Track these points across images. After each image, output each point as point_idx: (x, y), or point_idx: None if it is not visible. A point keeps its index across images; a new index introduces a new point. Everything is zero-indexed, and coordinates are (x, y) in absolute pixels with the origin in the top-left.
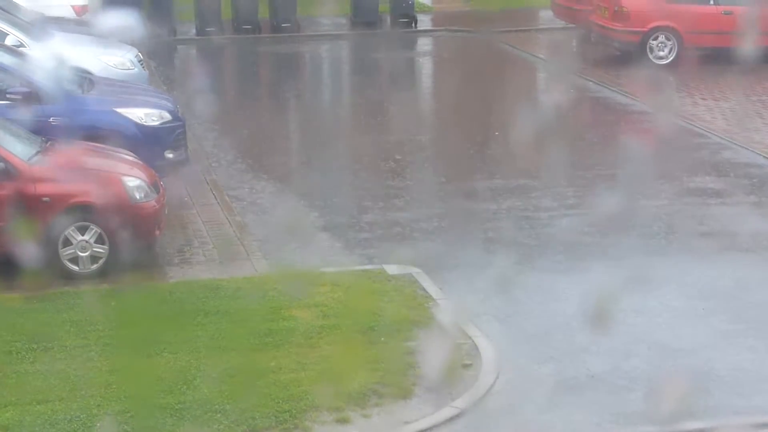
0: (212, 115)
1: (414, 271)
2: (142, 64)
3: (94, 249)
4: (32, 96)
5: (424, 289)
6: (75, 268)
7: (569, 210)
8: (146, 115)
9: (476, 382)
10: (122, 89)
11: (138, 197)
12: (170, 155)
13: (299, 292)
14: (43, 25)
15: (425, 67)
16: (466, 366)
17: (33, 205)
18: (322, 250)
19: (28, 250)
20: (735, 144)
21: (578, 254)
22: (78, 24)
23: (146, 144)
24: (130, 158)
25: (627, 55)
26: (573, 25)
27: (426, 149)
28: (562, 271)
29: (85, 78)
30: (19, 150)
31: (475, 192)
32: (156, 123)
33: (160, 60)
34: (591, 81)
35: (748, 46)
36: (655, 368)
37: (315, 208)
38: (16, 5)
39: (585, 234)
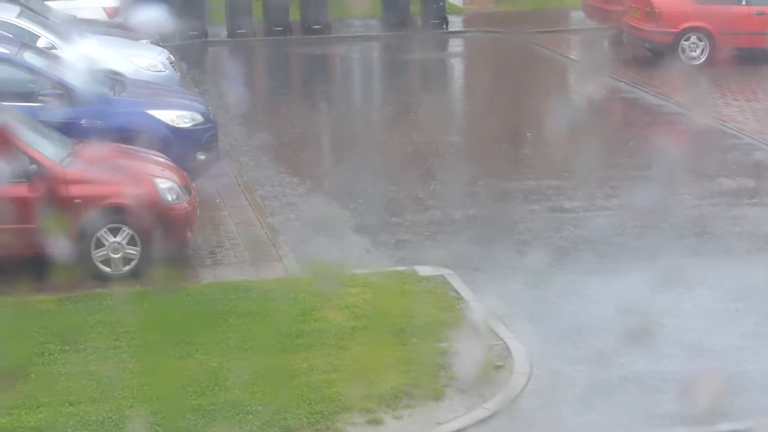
0: (244, 116)
1: (446, 272)
2: (173, 66)
3: (127, 251)
4: (64, 98)
5: (455, 291)
6: (107, 269)
7: (601, 210)
8: (178, 117)
9: (508, 384)
10: (154, 91)
11: (170, 199)
12: (202, 157)
13: (330, 294)
14: (75, 27)
15: (456, 68)
16: (498, 367)
17: (65, 207)
18: (353, 251)
19: (60, 251)
20: (766, 145)
21: (611, 255)
22: (109, 26)
23: (178, 146)
24: (162, 160)
25: (659, 55)
26: (604, 26)
27: (458, 150)
28: (595, 272)
29: (117, 80)
30: (51, 152)
31: (507, 193)
32: (188, 125)
33: (191, 62)
34: (623, 82)
35: None
36: (687, 369)
37: (346, 209)
38: (47, 7)
39: (617, 234)
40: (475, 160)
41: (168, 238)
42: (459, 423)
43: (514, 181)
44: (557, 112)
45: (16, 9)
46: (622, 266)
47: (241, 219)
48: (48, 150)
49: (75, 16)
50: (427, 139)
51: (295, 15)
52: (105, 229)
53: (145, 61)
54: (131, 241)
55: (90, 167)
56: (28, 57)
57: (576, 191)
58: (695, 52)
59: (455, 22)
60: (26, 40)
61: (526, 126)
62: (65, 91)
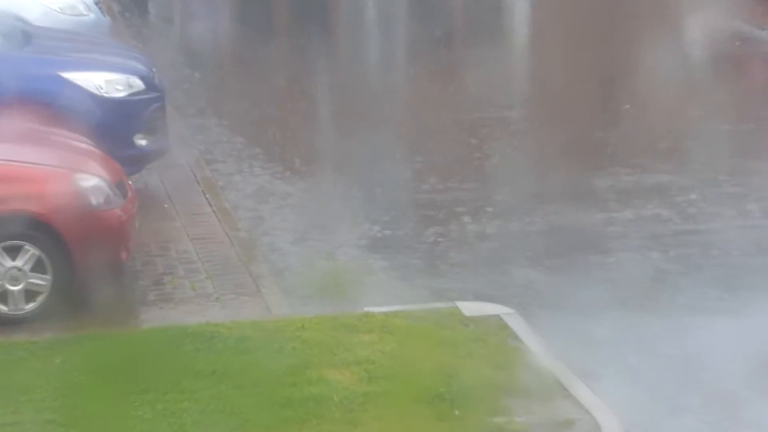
0: (205, 80)
1: (502, 310)
2: (101, 8)
3: (31, 280)
4: None
5: (516, 338)
6: (2, 308)
7: (730, 221)
8: (107, 82)
9: None
10: (71, 44)
11: (95, 203)
12: (143, 142)
13: (333, 343)
14: None
15: (517, 6)
16: None
17: None
18: (367, 279)
19: None
20: None
21: (743, 286)
22: None
23: (108, 125)
24: (84, 146)
25: None
26: None
27: (518, 132)
28: (721, 310)
29: (18, 28)
30: None
31: (591, 193)
32: (122, 94)
33: (127, 3)
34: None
35: None
36: None
37: (358, 218)
38: None
39: (752, 255)
40: (544, 146)
41: (93, 261)
42: None
43: (602, 175)
44: (668, 73)
45: None
46: (759, 302)
47: (201, 233)
48: None
49: None
50: (475, 116)
51: None
52: None
53: (59, 1)
54: (38, 267)
55: None
56: None
57: (695, 190)
58: None
59: None
60: None
61: (622, 94)
62: None
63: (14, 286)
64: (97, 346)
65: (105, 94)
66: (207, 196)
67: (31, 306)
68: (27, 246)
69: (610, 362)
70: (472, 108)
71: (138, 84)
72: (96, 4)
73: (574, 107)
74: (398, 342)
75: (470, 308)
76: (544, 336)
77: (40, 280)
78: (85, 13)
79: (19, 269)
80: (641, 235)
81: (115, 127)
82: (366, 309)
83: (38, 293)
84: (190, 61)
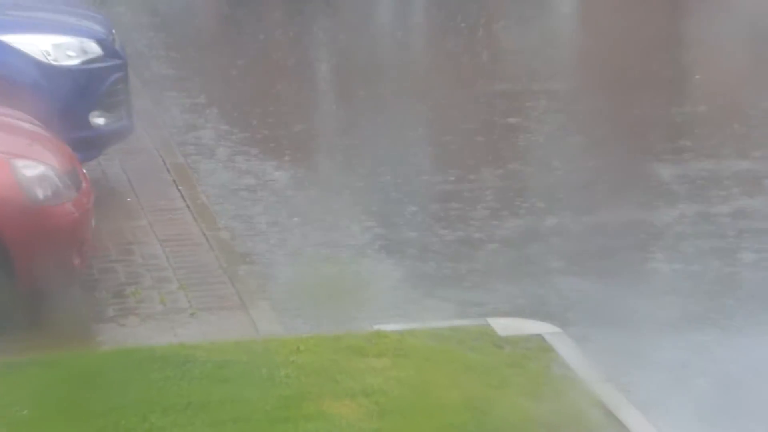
0: (178, 49)
1: (545, 329)
2: None
3: None
4: None
5: (563, 363)
6: None
7: None
8: (56, 47)
9: None
10: (12, 1)
11: (42, 196)
12: (100, 120)
13: (336, 369)
14: None
15: None
16: None
17: None
18: (377, 290)
19: None
20: None
21: None
22: None
23: (57, 100)
24: (28, 127)
25: None
26: None
27: (564, 108)
28: None
29: None
30: None
31: (653, 183)
32: (74, 61)
33: None
34: None
35: None
36: None
37: (365, 215)
38: None
39: None
40: (594, 124)
41: (39, 268)
42: None
43: (665, 160)
44: (742, 38)
45: None
46: None
47: (172, 233)
48: None
49: None
50: (509, 88)
51: None
52: None
53: None
54: None
55: None
56: None
57: None
58: None
59: None
60: None
61: (692, 62)
62: None
63: None
64: (44, 373)
65: (53, 62)
66: (180, 187)
67: None
68: None
69: (677, 390)
70: (509, 79)
71: (94, 49)
72: None
73: (632, 78)
74: (416, 368)
75: (505, 326)
76: (597, 360)
77: None
78: None
79: None
80: (715, 235)
81: (66, 103)
82: (376, 327)
83: None
84: (160, 21)
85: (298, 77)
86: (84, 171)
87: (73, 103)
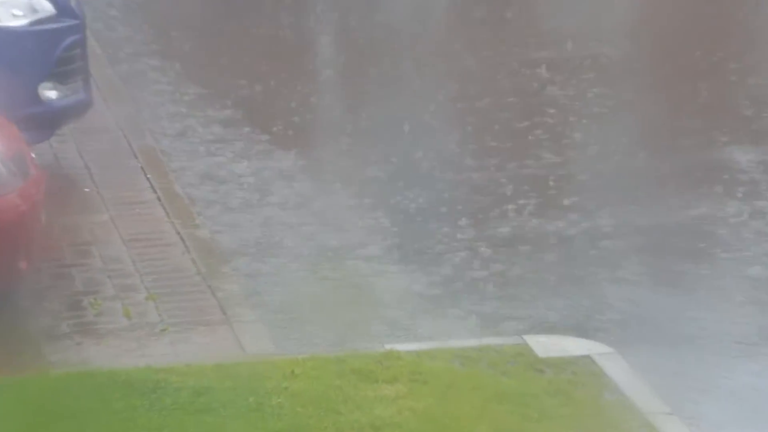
0: (146, 6)
1: (595, 349)
2: None
3: None
4: None
5: (617, 390)
6: None
7: None
8: None
9: None
10: None
11: None
12: (52, 93)
13: (339, 398)
14: None
15: None
16: None
17: None
18: (389, 300)
19: None
20: None
21: None
22: None
23: (1, 68)
24: None
25: None
26: None
27: (615, 79)
28: None
29: None
30: None
31: (723, 174)
32: (22, 21)
33: None
34: None
35: None
36: None
37: (375, 208)
38: None
39: None
40: (652, 99)
41: None
42: None
43: (739, 145)
44: None
45: None
46: None
47: (139, 231)
48: None
49: None
50: (546, 54)
51: None
52: None
53: None
54: None
55: None
56: None
57: None
58: None
59: None
60: None
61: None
62: None
63: None
64: None
65: None
66: (149, 175)
67: None
68: None
69: (753, 424)
70: (551, 45)
71: (46, 7)
72: None
73: (702, 43)
74: (436, 396)
75: (545, 345)
76: (657, 386)
77: None
78: None
79: None
80: None
81: (10, 72)
82: (388, 346)
83: None
84: None
85: (296, 48)
86: (33, 155)
87: (19, 73)
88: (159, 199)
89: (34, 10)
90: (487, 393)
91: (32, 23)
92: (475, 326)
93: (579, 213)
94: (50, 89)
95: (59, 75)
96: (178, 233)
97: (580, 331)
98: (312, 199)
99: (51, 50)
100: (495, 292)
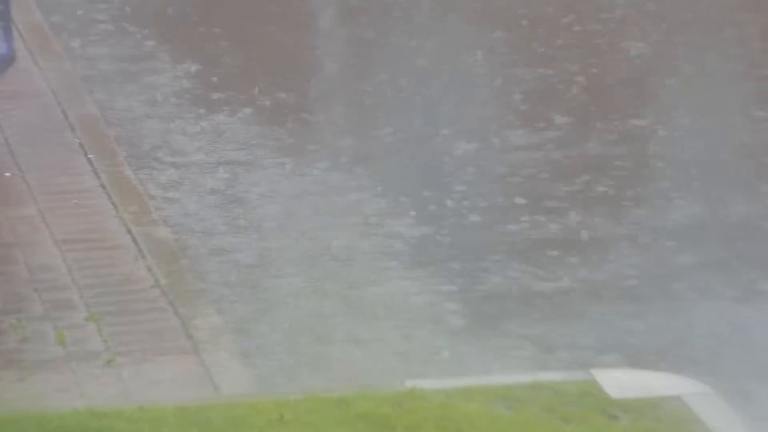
0: None
1: (685, 389)
2: None
3: None
4: None
5: None
6: None
7: None
8: None
9: None
10: None
11: None
12: None
13: None
14: None
15: None
16: None
17: None
18: (408, 320)
19: None
20: None
21: None
22: None
23: None
24: None
25: None
26: None
27: (705, 37)
28: None
29: None
30: None
31: None
32: None
33: None
34: None
35: None
36: None
37: (387, 198)
38: None
39: None
40: (745, 60)
41: None
42: None
43: None
44: None
45: None
46: None
47: (78, 229)
48: None
49: None
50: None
51: None
52: None
53: None
54: None
55: None
56: None
57: None
58: None
59: None
60: None
61: None
62: None
63: None
64: None
65: None
66: (90, 155)
67: None
68: None
69: None
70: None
71: None
72: None
73: None
74: None
75: (620, 382)
76: None
77: None
78: None
79: None
80: None
81: None
82: (409, 383)
83: None
84: None
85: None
86: None
87: None
88: (103, 186)
89: None
90: None
91: None
92: (526, 356)
93: (657, 205)
94: None
95: None
96: (130, 232)
97: (666, 362)
98: (305, 188)
99: None
100: (552, 310)
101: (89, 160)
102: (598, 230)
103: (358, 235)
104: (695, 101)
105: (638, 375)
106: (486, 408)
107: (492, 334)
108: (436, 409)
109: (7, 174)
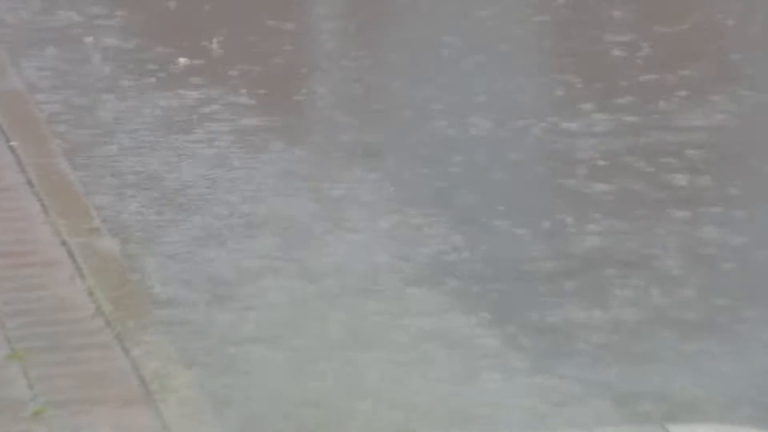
0: None
1: None
2: None
3: None
4: None
5: None
6: None
7: None
8: None
9: None
10: None
11: None
12: None
13: None
14: None
15: None
16: None
17: None
18: (430, 363)
19: None
20: None
21: None
22: None
23: None
24: None
25: None
26: None
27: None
28: None
29: None
30: None
31: None
32: None
33: None
34: None
35: None
36: None
37: (398, 201)
38: None
39: None
40: None
41: None
42: None
43: None
44: None
45: None
46: None
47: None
48: None
49: None
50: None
51: None
52: None
53: None
54: None
55: None
56: None
57: None
58: None
59: None
60: None
61: None
62: None
63: None
64: None
65: None
66: (12, 142)
67: None
68: None
69: None
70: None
71: None
72: None
73: None
74: None
75: None
76: None
77: None
78: None
79: None
80: None
81: None
82: None
83: None
84: None
85: None
86: None
87: None
88: (31, 183)
89: None
90: None
91: None
92: (578, 406)
93: (743, 221)
94: None
95: None
96: (64, 243)
97: (757, 416)
98: (292, 187)
99: None
100: (616, 349)
101: (11, 150)
102: (673, 247)
103: (364, 241)
104: None
105: (722, 430)
106: None
107: (535, 378)
108: None
109: None
